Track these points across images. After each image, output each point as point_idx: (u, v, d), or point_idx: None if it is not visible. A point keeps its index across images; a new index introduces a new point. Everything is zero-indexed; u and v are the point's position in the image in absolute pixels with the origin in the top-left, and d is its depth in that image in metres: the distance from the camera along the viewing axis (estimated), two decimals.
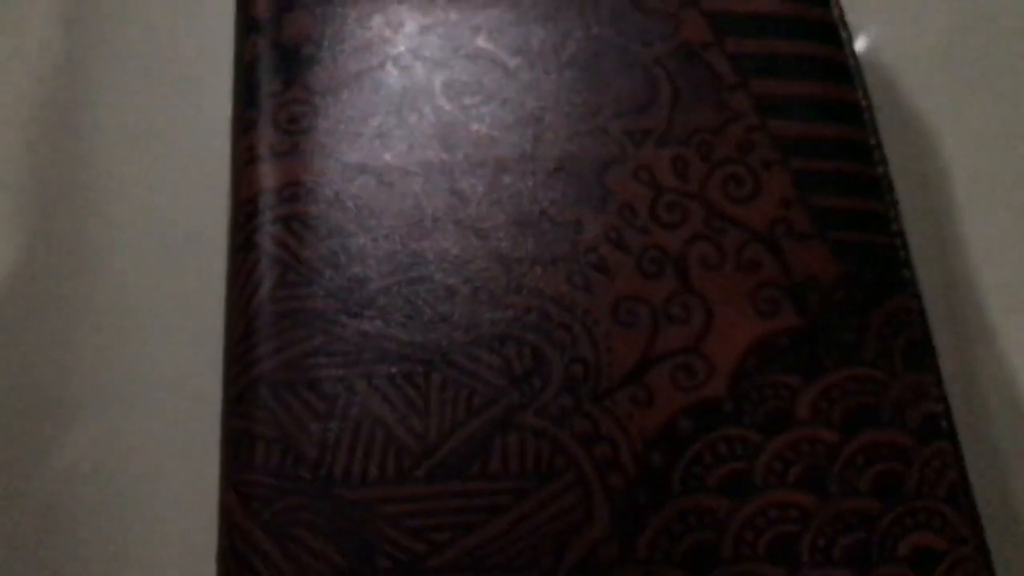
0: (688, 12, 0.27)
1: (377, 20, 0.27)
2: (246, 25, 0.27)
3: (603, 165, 0.25)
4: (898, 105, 0.31)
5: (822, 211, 0.24)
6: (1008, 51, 0.32)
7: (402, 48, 0.26)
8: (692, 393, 0.23)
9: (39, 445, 0.27)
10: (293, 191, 0.24)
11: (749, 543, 0.21)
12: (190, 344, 0.28)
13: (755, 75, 0.26)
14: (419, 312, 0.23)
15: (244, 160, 0.25)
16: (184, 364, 0.28)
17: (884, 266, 0.24)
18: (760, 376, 0.23)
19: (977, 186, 0.30)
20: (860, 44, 0.32)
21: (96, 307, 0.29)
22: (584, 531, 0.21)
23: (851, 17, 0.30)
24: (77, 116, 0.31)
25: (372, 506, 0.22)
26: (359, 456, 0.22)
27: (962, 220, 0.30)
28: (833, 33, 0.27)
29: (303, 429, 0.22)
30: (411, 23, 0.27)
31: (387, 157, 0.25)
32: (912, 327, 0.24)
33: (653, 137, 0.25)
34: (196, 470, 0.26)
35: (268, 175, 0.25)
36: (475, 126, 0.25)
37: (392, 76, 0.26)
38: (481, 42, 0.26)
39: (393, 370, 0.23)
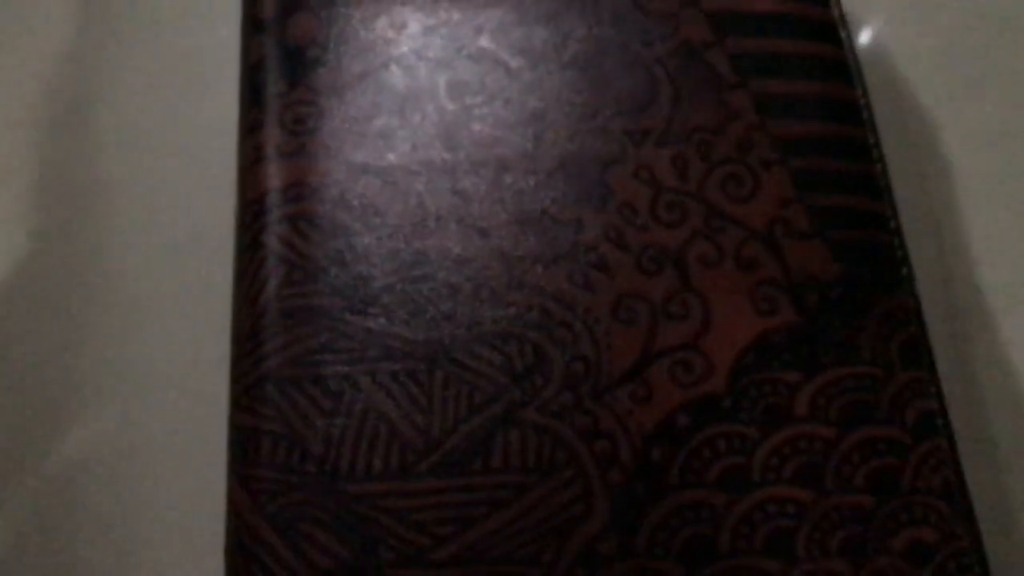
0: (689, 12, 0.27)
1: (381, 21, 0.27)
2: (252, 26, 0.27)
3: (604, 164, 0.25)
4: (897, 104, 0.31)
5: (821, 210, 0.25)
6: (1006, 49, 0.32)
7: (405, 49, 0.26)
8: (691, 390, 0.23)
9: (47, 440, 0.27)
10: (299, 191, 0.25)
11: (746, 537, 0.22)
12: (198, 341, 0.28)
13: (755, 74, 0.26)
14: (422, 310, 0.24)
15: (251, 160, 0.25)
16: (192, 361, 0.28)
17: (882, 264, 0.24)
18: (758, 373, 0.23)
19: (975, 185, 0.30)
20: (860, 43, 0.32)
21: (105, 304, 0.29)
22: (584, 525, 0.22)
23: (851, 16, 0.30)
24: (86, 116, 0.31)
25: (376, 500, 0.22)
26: (363, 451, 0.22)
27: (961, 218, 0.30)
28: (833, 33, 0.27)
29: (309, 425, 0.23)
30: (414, 24, 0.27)
31: (391, 157, 0.25)
32: (909, 325, 0.24)
33: (653, 136, 0.25)
34: (204, 465, 0.26)
35: (274, 175, 0.25)
36: (477, 126, 0.25)
37: (395, 77, 0.26)
38: (483, 42, 0.27)
39: (397, 367, 0.23)
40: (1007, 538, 0.26)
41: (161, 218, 0.30)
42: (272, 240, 0.24)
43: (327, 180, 0.25)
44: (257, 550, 0.22)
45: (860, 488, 0.22)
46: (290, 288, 0.24)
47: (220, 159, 0.29)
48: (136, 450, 0.27)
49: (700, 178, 0.25)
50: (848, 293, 0.24)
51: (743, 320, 0.24)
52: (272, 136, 0.25)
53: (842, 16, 0.27)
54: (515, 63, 0.26)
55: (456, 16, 0.27)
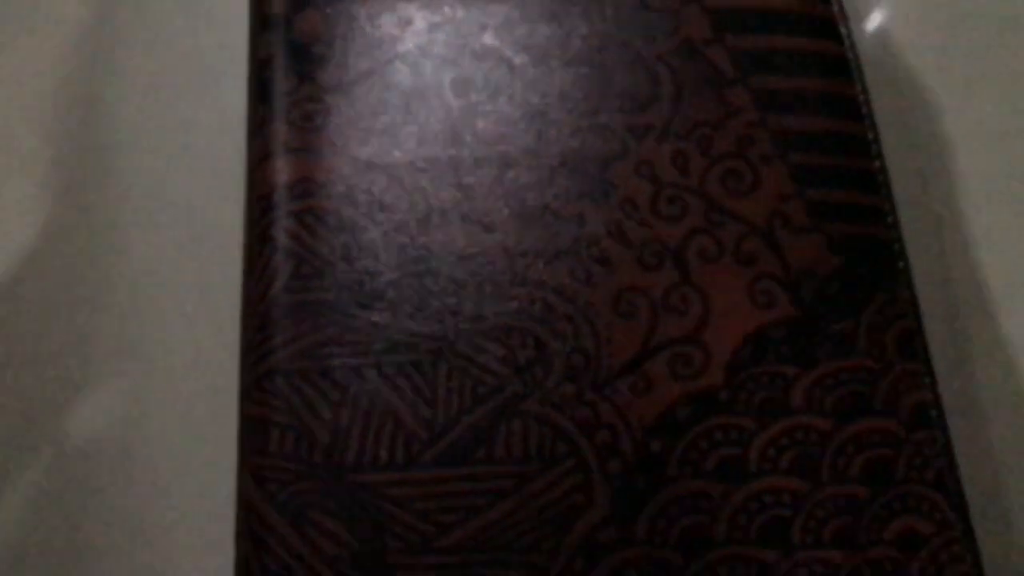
0: (690, 9, 0.27)
1: (387, 18, 0.27)
2: (260, 23, 0.28)
3: (606, 160, 0.25)
4: (897, 101, 0.31)
5: (820, 205, 0.25)
6: (1006, 46, 0.32)
7: (411, 46, 0.27)
8: (690, 382, 0.23)
9: (59, 431, 0.28)
10: (306, 187, 0.25)
11: (743, 527, 0.22)
12: (208, 334, 0.29)
13: (755, 71, 0.26)
14: (427, 304, 0.24)
15: (259, 156, 0.26)
16: (202, 354, 0.29)
17: (879, 259, 0.25)
18: (756, 366, 0.24)
19: (974, 180, 0.30)
20: (860, 40, 0.32)
21: (116, 298, 0.29)
22: (584, 514, 0.22)
23: (851, 13, 0.30)
24: (97, 112, 0.32)
25: (382, 489, 0.22)
26: (370, 442, 0.23)
27: (959, 213, 0.30)
28: (833, 29, 0.27)
29: (317, 416, 0.23)
30: (419, 21, 0.27)
31: (396, 153, 0.26)
32: (905, 318, 0.24)
33: (654, 132, 0.26)
34: (214, 455, 0.27)
35: (282, 171, 0.25)
36: (481, 122, 0.26)
37: (401, 73, 0.26)
38: (488, 39, 0.27)
39: (402, 359, 0.24)
40: (1004, 535, 0.27)
41: (173, 213, 0.30)
42: (280, 235, 0.25)
43: (334, 176, 0.25)
44: (266, 537, 0.22)
45: (854, 479, 0.23)
46: (298, 282, 0.24)
47: (230, 155, 0.30)
48: (149, 441, 0.28)
49: (700, 173, 0.25)
50: (845, 286, 0.24)
51: (741, 314, 0.24)
52: (280, 132, 0.26)
53: (842, 12, 0.27)
54: (519, 60, 0.27)
55: (461, 13, 0.27)
